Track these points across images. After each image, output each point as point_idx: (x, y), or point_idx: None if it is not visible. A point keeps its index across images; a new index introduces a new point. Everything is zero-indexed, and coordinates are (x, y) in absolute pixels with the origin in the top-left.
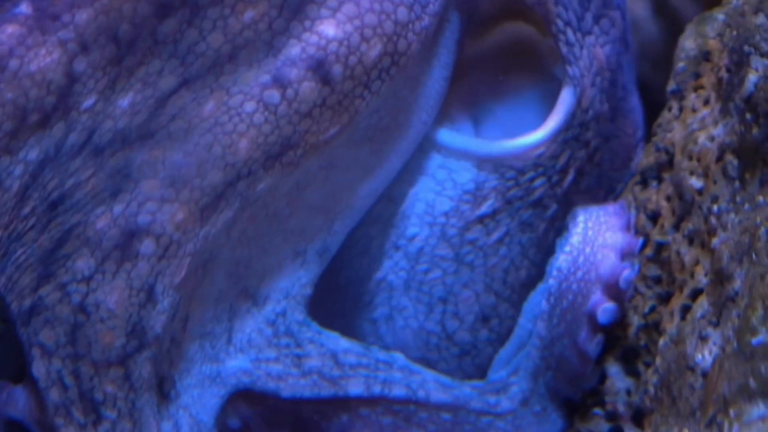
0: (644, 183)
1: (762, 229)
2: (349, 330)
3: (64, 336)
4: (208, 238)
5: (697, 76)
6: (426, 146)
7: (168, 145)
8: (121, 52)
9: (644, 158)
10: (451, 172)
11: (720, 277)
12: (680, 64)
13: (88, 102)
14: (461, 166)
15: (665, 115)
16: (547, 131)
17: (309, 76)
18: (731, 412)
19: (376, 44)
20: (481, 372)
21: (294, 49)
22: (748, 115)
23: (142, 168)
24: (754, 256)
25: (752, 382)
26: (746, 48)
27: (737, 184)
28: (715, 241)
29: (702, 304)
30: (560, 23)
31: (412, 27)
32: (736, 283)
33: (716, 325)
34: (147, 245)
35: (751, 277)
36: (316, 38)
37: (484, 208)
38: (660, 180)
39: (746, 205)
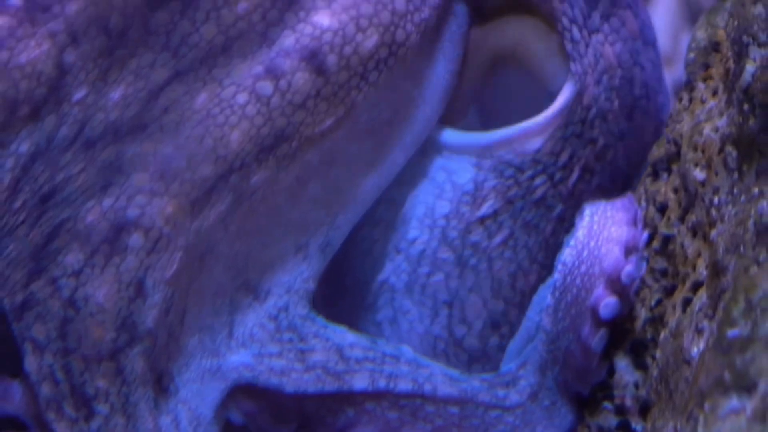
0: (655, 175)
1: (750, 221)
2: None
3: (55, 330)
4: (200, 231)
5: (707, 66)
6: (428, 149)
7: (159, 138)
8: (112, 44)
9: (656, 150)
10: (450, 174)
11: (716, 270)
12: (691, 55)
13: (79, 94)
14: (461, 166)
15: (676, 106)
16: (540, 119)
17: (302, 67)
18: (706, 405)
19: (372, 34)
20: None
21: (288, 40)
22: (745, 106)
23: (133, 161)
24: (742, 248)
25: (727, 375)
26: (745, 38)
27: (735, 175)
28: (713, 233)
29: (701, 297)
30: (566, 21)
31: (410, 18)
32: (729, 276)
33: (711, 318)
34: (136, 239)
35: (737, 269)
36: (310, 29)
37: (484, 209)
38: (670, 172)
39: (742, 197)
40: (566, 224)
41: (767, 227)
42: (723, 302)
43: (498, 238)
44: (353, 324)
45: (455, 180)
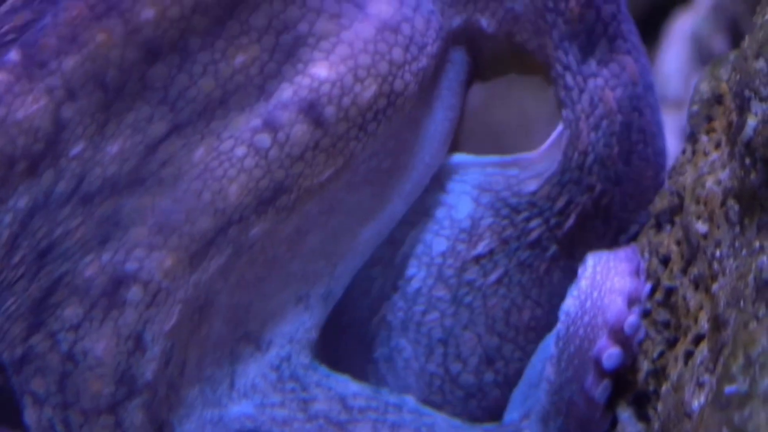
0: (658, 227)
1: (750, 276)
2: (352, 371)
3: (54, 384)
4: (199, 284)
5: (710, 119)
6: (428, 186)
7: (157, 191)
8: (110, 98)
9: (659, 202)
10: (449, 209)
11: (717, 324)
12: (694, 107)
13: (76, 149)
14: (459, 199)
15: (679, 158)
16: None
17: (300, 119)
18: None
19: (370, 85)
20: (489, 415)
21: (286, 93)
22: (747, 160)
23: (131, 215)
24: (742, 302)
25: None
26: (747, 92)
27: (737, 229)
28: (715, 286)
29: (702, 350)
30: (559, 68)
31: (408, 67)
32: (729, 330)
33: (712, 371)
34: (134, 292)
35: (737, 324)
36: (308, 80)
37: (480, 248)
38: (673, 224)
39: (744, 251)
40: (561, 262)
41: (767, 283)
42: (723, 357)
43: (493, 277)
44: (351, 362)
45: (453, 215)
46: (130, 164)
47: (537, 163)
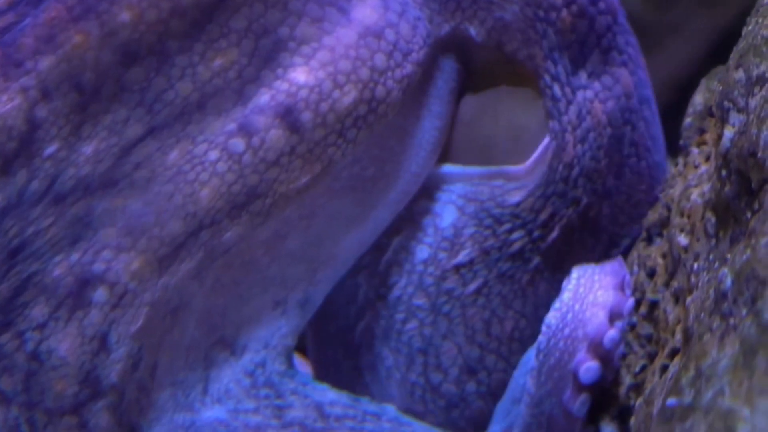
0: (649, 240)
1: (711, 289)
2: (339, 379)
3: (20, 383)
4: (168, 287)
5: (702, 131)
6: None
7: (129, 193)
8: (85, 100)
9: (651, 214)
10: (434, 217)
11: (686, 337)
12: (688, 120)
13: (50, 149)
14: (444, 208)
15: (672, 171)
16: (517, 168)
17: (276, 124)
18: None
19: (350, 91)
20: (473, 425)
21: (263, 98)
22: (723, 172)
23: (102, 216)
24: (703, 315)
25: None
26: (726, 103)
27: (713, 242)
28: (688, 299)
29: (676, 364)
30: (547, 78)
31: (391, 74)
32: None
33: None
34: (100, 293)
35: (695, 337)
36: (286, 85)
37: (461, 257)
38: (662, 236)
39: (716, 264)
40: (546, 274)
41: (724, 294)
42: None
43: (472, 287)
44: (338, 370)
45: (438, 224)
46: (103, 165)
47: (523, 175)
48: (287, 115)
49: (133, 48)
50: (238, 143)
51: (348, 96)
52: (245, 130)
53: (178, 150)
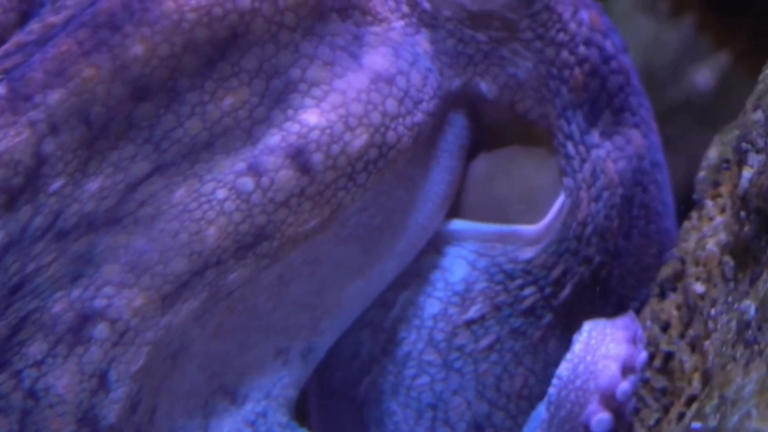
0: (662, 295)
1: (733, 323)
2: None
3: (16, 423)
4: (171, 327)
5: (716, 184)
6: (424, 249)
7: (133, 230)
8: (93, 135)
9: (664, 269)
10: (444, 272)
11: (706, 378)
12: (702, 173)
13: (55, 184)
14: (455, 263)
15: (685, 225)
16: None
17: (287, 164)
18: None
19: (361, 134)
20: None
21: (274, 138)
22: (742, 213)
23: (105, 253)
24: (724, 348)
25: None
26: (744, 145)
27: (732, 284)
28: (707, 343)
29: (693, 409)
30: (561, 137)
31: (402, 120)
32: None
33: None
34: (101, 330)
35: (716, 370)
36: (297, 126)
37: (472, 312)
38: (675, 290)
39: (736, 304)
40: (557, 331)
41: (747, 324)
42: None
43: (484, 342)
44: (343, 424)
45: (448, 278)
46: (108, 202)
47: (536, 236)
48: (298, 156)
49: (144, 83)
50: (247, 182)
51: (359, 139)
52: (255, 169)
53: (185, 188)
